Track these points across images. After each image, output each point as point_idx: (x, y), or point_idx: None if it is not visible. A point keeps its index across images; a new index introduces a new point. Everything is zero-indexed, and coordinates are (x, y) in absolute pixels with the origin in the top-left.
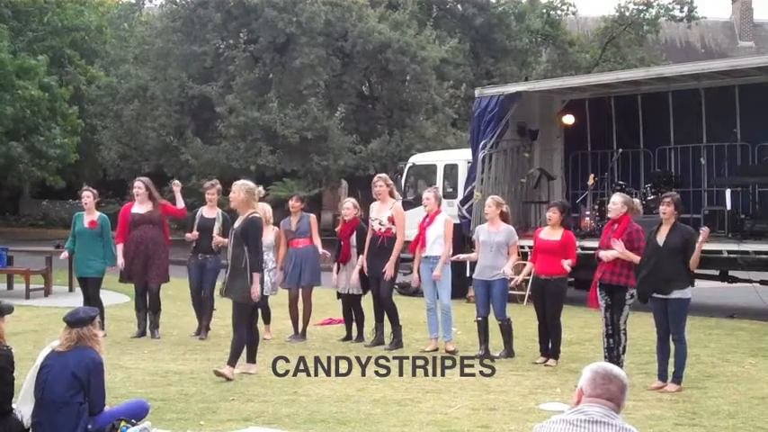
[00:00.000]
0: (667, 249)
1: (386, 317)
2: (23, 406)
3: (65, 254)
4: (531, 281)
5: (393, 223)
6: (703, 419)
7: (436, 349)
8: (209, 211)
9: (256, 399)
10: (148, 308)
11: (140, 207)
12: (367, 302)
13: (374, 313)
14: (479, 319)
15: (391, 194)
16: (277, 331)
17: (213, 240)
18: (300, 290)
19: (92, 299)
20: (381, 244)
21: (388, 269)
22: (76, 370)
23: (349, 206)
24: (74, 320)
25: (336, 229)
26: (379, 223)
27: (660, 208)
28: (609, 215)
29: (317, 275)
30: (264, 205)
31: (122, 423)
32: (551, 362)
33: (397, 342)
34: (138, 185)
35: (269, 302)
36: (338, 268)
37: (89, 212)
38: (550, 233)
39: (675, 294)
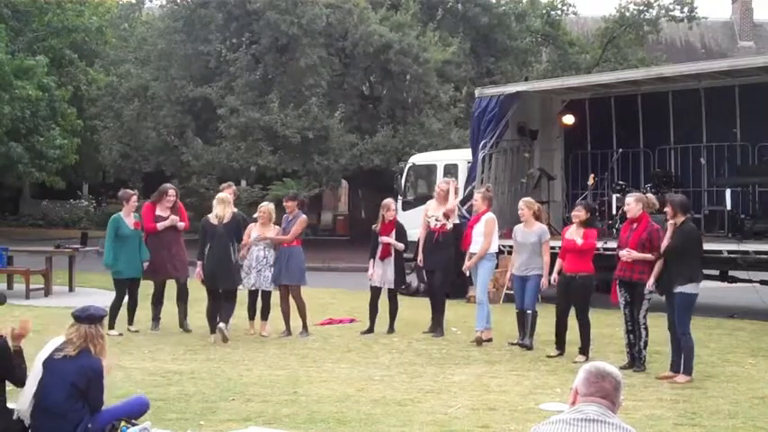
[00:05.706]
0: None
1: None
2: (23, 405)
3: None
4: (558, 278)
5: (447, 219)
6: (703, 419)
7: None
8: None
9: (256, 399)
10: (178, 298)
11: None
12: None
13: (431, 306)
14: (518, 310)
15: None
16: (277, 331)
17: None
18: (289, 289)
19: (132, 299)
20: (437, 239)
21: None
22: (76, 380)
23: (392, 207)
24: (84, 316)
25: (374, 228)
26: (436, 219)
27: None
28: (627, 216)
29: (300, 275)
30: (269, 204)
31: (122, 423)
32: (580, 357)
33: (441, 330)
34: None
35: (270, 300)
36: (374, 264)
37: (130, 215)
38: (575, 232)
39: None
